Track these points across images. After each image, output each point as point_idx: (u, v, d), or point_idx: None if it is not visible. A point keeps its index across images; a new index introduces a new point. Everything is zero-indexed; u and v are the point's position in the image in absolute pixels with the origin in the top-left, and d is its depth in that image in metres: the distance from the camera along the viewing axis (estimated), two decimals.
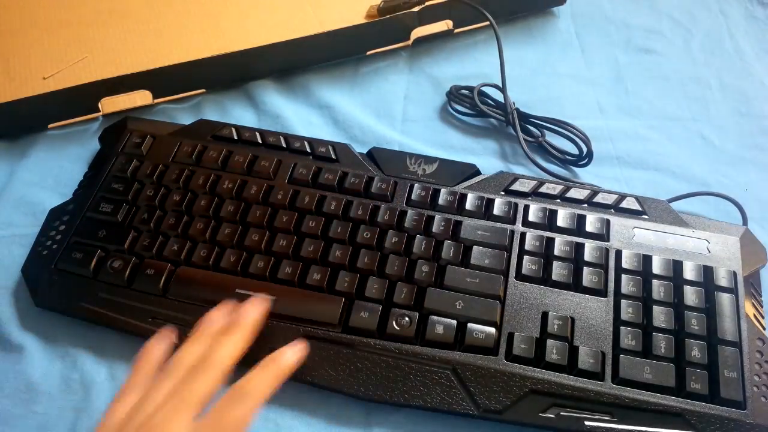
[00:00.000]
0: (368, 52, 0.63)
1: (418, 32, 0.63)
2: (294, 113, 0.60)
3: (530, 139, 0.56)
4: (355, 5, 0.61)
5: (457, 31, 0.65)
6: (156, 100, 0.59)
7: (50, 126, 0.58)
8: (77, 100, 0.57)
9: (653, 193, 0.51)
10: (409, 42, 0.63)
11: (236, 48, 0.58)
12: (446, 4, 0.62)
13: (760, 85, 0.62)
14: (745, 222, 0.51)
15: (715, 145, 0.57)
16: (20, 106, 0.55)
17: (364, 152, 0.54)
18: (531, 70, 0.63)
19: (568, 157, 0.55)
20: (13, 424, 0.43)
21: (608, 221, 0.48)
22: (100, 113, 0.58)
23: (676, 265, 0.46)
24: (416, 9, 0.60)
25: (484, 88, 0.59)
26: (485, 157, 0.57)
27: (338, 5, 0.62)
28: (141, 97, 0.58)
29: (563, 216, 0.48)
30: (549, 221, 0.48)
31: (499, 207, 0.49)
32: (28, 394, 0.44)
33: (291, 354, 0.40)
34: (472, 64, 0.64)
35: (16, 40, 0.60)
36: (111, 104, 0.58)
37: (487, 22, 0.60)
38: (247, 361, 0.39)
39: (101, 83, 0.56)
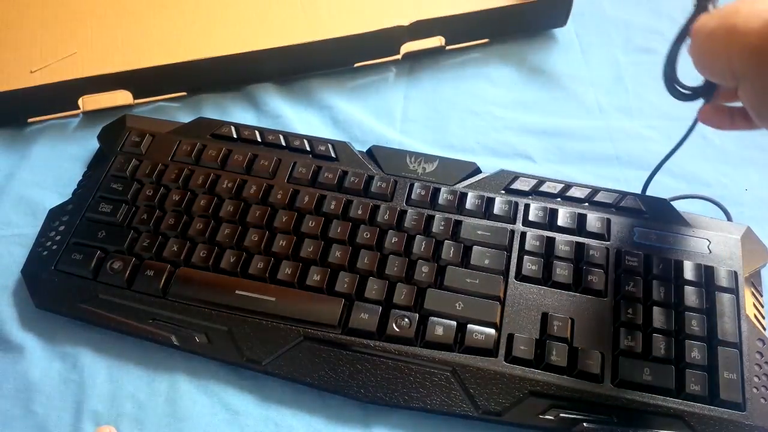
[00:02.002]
0: (362, 63, 0.62)
1: (409, 47, 0.61)
2: (294, 114, 0.60)
3: None
4: (349, 15, 0.60)
5: (449, 48, 0.63)
6: (136, 101, 0.59)
7: (30, 120, 0.58)
8: (58, 96, 0.57)
9: (653, 193, 0.51)
10: (399, 56, 0.62)
11: (219, 53, 0.57)
12: (438, 20, 0.60)
13: None
14: (729, 218, 0.51)
15: (715, 145, 0.57)
16: (4, 98, 0.55)
17: (364, 149, 0.53)
18: (531, 70, 0.63)
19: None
20: (12, 424, 0.43)
21: (609, 220, 0.48)
22: (80, 110, 0.58)
23: (677, 265, 0.46)
24: (406, 24, 0.59)
25: None
26: (484, 156, 0.57)
27: (334, 13, 0.61)
28: (121, 97, 0.58)
29: (563, 215, 0.48)
30: (549, 220, 0.48)
31: (499, 206, 0.49)
32: (27, 394, 0.45)
33: None
34: (473, 63, 0.63)
35: (10, 33, 0.60)
36: (91, 102, 0.58)
37: (481, 41, 0.60)
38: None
39: (83, 80, 0.56)
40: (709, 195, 0.53)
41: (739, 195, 0.53)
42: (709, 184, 0.55)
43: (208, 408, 0.44)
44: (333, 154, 0.52)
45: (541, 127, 0.59)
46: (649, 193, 0.51)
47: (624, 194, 0.50)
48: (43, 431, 0.43)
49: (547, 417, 0.41)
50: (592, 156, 0.56)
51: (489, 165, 0.54)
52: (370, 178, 0.50)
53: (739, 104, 0.39)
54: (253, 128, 0.54)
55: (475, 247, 0.47)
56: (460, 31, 0.62)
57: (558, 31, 0.65)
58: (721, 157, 0.56)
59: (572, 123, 0.59)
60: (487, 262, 0.46)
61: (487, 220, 0.48)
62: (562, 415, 0.41)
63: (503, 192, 0.50)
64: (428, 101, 0.61)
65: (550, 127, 0.59)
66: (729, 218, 0.51)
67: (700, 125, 0.44)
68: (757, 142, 0.57)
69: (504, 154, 0.57)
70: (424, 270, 0.46)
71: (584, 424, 0.40)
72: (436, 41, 0.62)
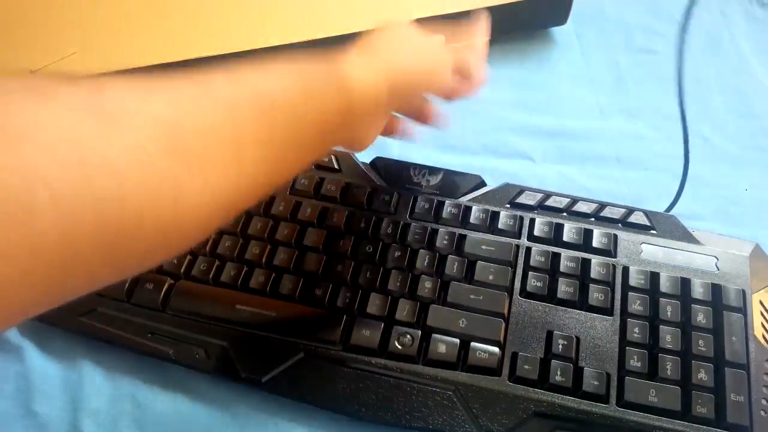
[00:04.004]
0: None
1: None
2: None
3: None
4: (349, 13, 0.60)
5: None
6: None
7: None
8: None
9: (653, 194, 0.52)
10: None
11: (218, 51, 0.56)
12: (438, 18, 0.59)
13: (760, 85, 0.61)
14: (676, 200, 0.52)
15: (715, 145, 0.57)
16: None
17: (366, 157, 0.53)
18: (531, 71, 0.62)
19: None
20: (12, 424, 0.43)
21: (615, 236, 0.47)
22: None
23: (684, 283, 0.45)
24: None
25: None
26: (484, 156, 0.57)
27: (333, 11, 0.60)
28: None
29: (569, 231, 0.47)
30: (555, 236, 0.47)
31: (504, 220, 0.48)
32: (27, 394, 0.44)
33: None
34: None
35: (10, 33, 0.59)
36: None
37: None
38: None
39: None
40: (708, 195, 0.53)
41: (739, 195, 0.53)
42: (708, 184, 0.54)
43: (207, 408, 0.44)
44: (336, 166, 0.51)
45: (541, 127, 0.58)
46: (651, 194, 0.50)
47: (631, 210, 0.49)
48: (43, 431, 0.43)
49: None
50: (592, 156, 0.56)
51: (489, 165, 0.53)
52: (374, 190, 0.50)
53: None
54: None
55: (479, 263, 0.46)
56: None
57: (558, 31, 0.65)
58: (721, 157, 0.56)
59: (572, 123, 0.58)
60: (491, 277, 0.45)
61: (492, 234, 0.48)
62: None
63: (508, 206, 0.49)
64: None
65: (550, 127, 0.58)
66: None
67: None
68: (757, 142, 0.57)
69: (504, 154, 0.56)
70: (427, 285, 0.45)
71: None
72: None
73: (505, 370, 0.42)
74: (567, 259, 0.46)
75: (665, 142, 0.57)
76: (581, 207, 0.49)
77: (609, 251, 0.47)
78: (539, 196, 0.50)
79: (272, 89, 0.29)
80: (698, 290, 0.44)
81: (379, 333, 0.43)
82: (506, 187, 0.51)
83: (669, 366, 0.41)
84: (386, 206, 0.49)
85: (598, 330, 0.43)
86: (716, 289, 0.45)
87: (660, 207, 0.51)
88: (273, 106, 0.29)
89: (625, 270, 0.46)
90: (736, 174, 0.55)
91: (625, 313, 0.44)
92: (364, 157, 0.53)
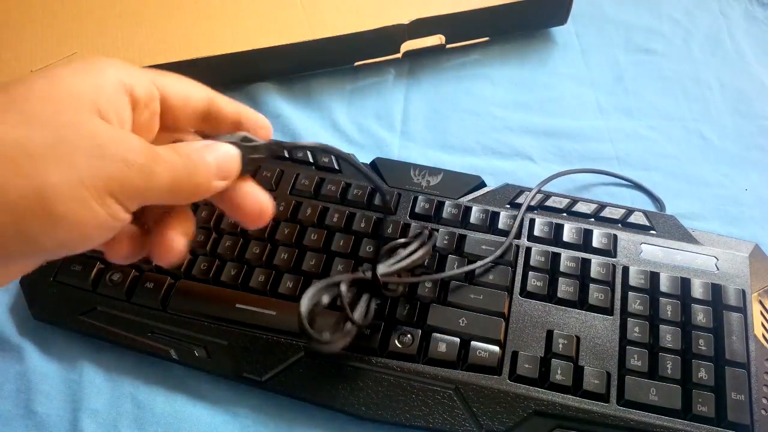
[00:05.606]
0: (362, 62, 0.62)
1: (409, 46, 0.61)
2: (294, 114, 0.59)
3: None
4: (350, 13, 0.60)
5: (449, 46, 0.63)
6: None
7: None
8: None
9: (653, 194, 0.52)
10: (399, 55, 0.62)
11: (219, 52, 0.56)
12: (439, 18, 0.60)
13: (760, 85, 0.61)
14: (662, 209, 0.52)
15: (715, 145, 0.57)
16: None
17: (366, 158, 0.53)
18: (531, 70, 0.63)
19: None
20: (12, 424, 0.43)
21: (615, 236, 0.47)
22: None
23: (684, 283, 0.45)
24: (406, 22, 0.59)
25: None
26: (484, 156, 0.57)
27: (334, 12, 0.60)
28: None
29: (569, 231, 0.47)
30: (555, 236, 0.47)
31: (503, 221, 0.48)
32: (27, 394, 0.44)
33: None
34: (473, 63, 0.63)
35: (10, 32, 0.59)
36: None
37: (481, 39, 0.59)
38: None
39: None
40: (708, 195, 0.53)
41: (739, 195, 0.54)
42: (709, 184, 0.55)
43: (208, 408, 0.44)
44: (336, 166, 0.52)
45: (541, 127, 0.59)
46: (645, 194, 0.51)
47: (631, 210, 0.49)
48: (43, 431, 0.43)
49: None
50: (592, 156, 0.56)
51: (489, 165, 0.54)
52: (374, 190, 0.50)
53: None
54: None
55: (479, 262, 0.46)
56: (461, 29, 0.61)
57: (558, 31, 0.66)
58: (721, 157, 0.57)
59: (572, 123, 0.59)
60: (491, 277, 0.45)
61: (492, 234, 0.48)
62: None
63: (508, 206, 0.49)
64: (428, 102, 0.61)
65: (550, 127, 0.59)
66: (663, 208, 0.52)
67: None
68: (757, 142, 0.57)
69: (504, 154, 0.56)
70: (427, 285, 0.45)
71: None
72: (437, 39, 0.61)
73: (506, 369, 0.42)
74: (567, 259, 0.46)
75: (665, 142, 0.57)
76: (581, 207, 0.49)
77: (609, 251, 0.47)
78: (539, 196, 0.50)
79: None
80: (698, 290, 0.44)
81: (380, 332, 0.43)
82: (506, 187, 0.51)
83: (669, 365, 0.41)
84: (386, 206, 0.49)
85: (599, 329, 0.43)
86: (716, 289, 0.45)
87: (659, 207, 0.52)
88: None
89: (625, 270, 0.46)
90: (736, 174, 0.55)
91: (625, 313, 0.44)
92: (365, 157, 0.53)
